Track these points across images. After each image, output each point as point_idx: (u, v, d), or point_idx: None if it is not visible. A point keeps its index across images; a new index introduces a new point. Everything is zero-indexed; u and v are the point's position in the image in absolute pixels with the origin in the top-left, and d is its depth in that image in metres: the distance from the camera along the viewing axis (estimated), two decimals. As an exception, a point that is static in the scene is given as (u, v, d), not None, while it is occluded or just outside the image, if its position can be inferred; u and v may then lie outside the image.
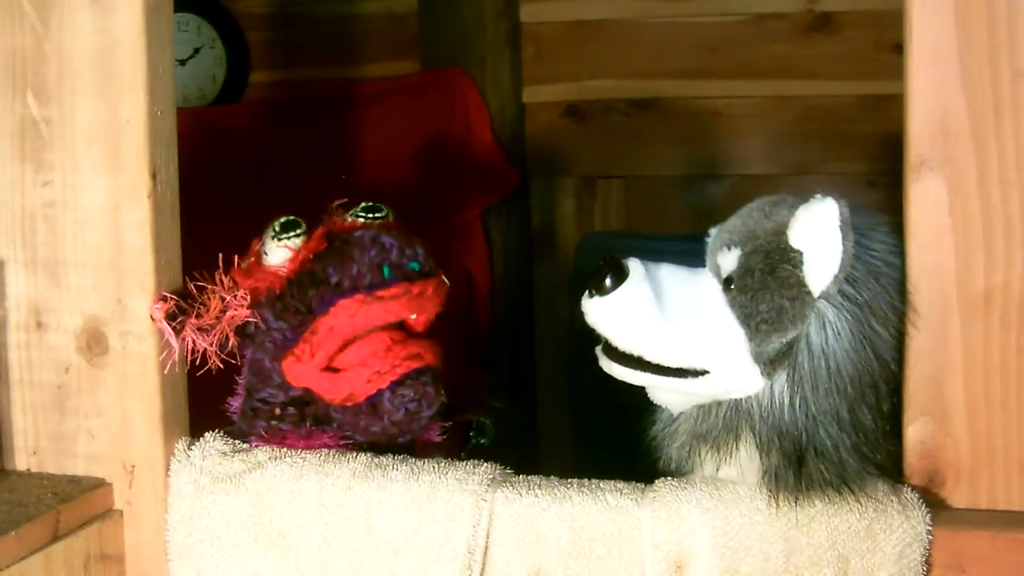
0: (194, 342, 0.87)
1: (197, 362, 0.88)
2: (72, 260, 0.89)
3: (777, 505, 0.79)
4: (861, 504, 0.79)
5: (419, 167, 2.06)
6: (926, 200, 0.81)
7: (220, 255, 0.90)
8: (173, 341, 0.87)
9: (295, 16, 2.31)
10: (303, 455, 0.87)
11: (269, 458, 0.88)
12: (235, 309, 0.88)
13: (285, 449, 0.89)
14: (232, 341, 0.89)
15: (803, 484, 0.79)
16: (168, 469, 0.89)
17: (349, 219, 0.96)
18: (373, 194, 1.00)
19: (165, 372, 0.88)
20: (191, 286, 0.89)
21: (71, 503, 0.85)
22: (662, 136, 2.16)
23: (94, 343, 0.89)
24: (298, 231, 0.92)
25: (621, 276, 0.80)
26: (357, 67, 2.26)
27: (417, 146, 2.08)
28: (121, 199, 0.88)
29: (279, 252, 0.92)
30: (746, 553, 0.79)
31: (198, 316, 0.87)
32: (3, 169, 0.90)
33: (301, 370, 0.90)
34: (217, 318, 0.88)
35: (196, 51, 2.28)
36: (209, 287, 0.88)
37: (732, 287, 0.82)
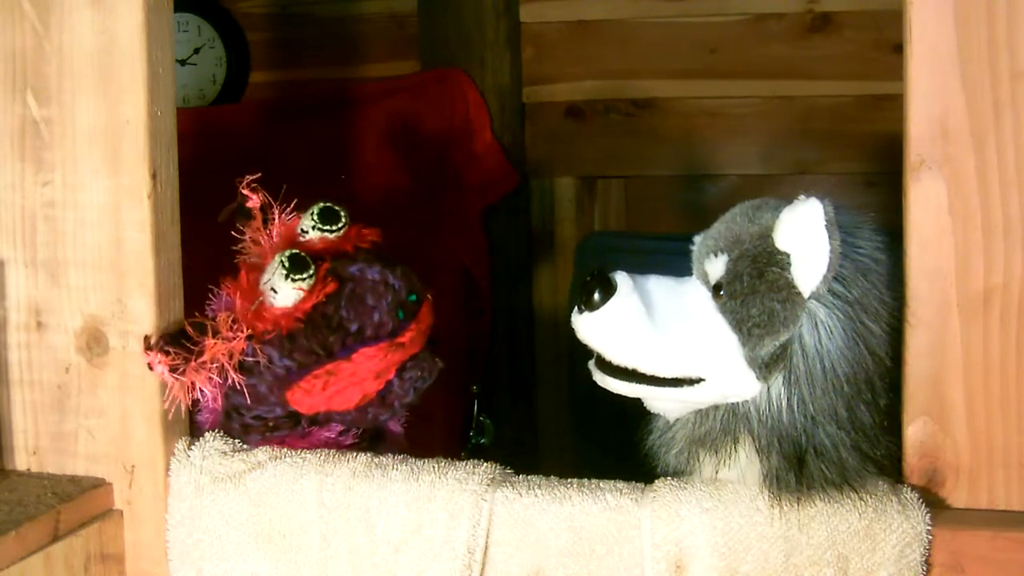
0: (195, 383, 0.86)
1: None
2: (72, 260, 0.89)
3: (780, 507, 0.79)
4: (861, 504, 0.79)
5: (419, 167, 2.06)
6: (926, 200, 0.81)
7: (211, 288, 0.90)
8: (177, 388, 0.86)
9: (295, 16, 2.31)
10: (303, 455, 0.87)
11: (269, 458, 0.88)
12: (232, 343, 0.86)
13: (285, 449, 0.89)
14: (233, 377, 0.86)
15: (805, 485, 0.79)
16: (168, 469, 0.89)
17: (309, 232, 0.93)
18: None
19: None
20: (187, 325, 0.87)
21: (71, 503, 0.85)
22: (662, 136, 2.16)
23: (94, 343, 0.89)
24: (311, 271, 0.88)
25: (609, 290, 0.80)
26: (357, 67, 2.26)
27: (417, 146, 2.08)
28: (121, 199, 0.88)
29: (292, 294, 0.88)
30: (746, 553, 0.79)
31: (198, 357, 0.85)
32: (3, 169, 0.90)
33: (310, 401, 0.90)
34: (215, 356, 0.86)
35: (196, 51, 2.28)
36: (209, 324, 0.87)
37: (722, 293, 0.82)
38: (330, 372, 0.89)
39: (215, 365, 0.86)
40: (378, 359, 0.89)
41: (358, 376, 0.89)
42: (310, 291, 0.88)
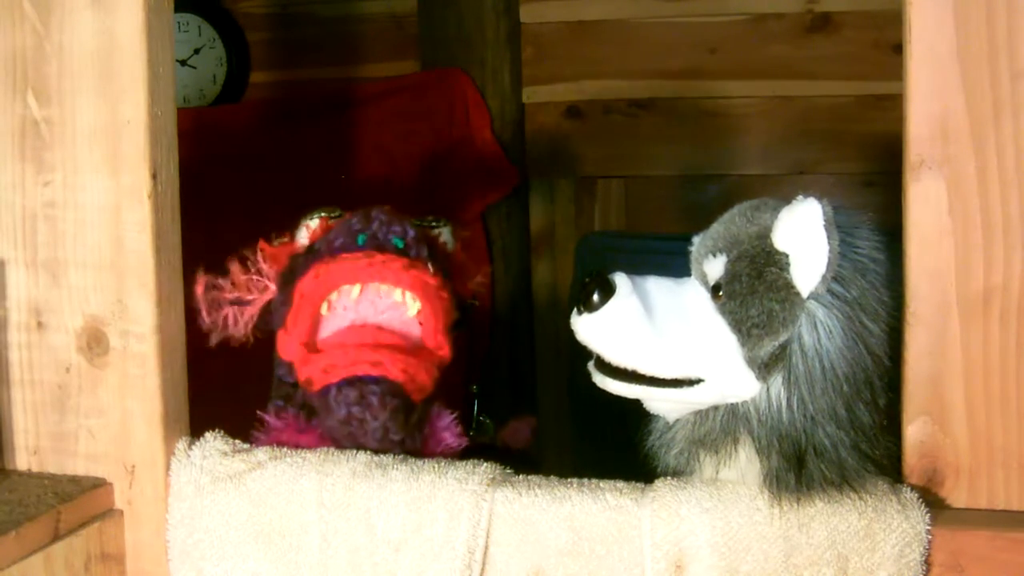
0: (231, 317, 0.90)
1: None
2: (72, 260, 0.89)
3: (780, 507, 0.79)
4: (861, 504, 0.79)
5: (419, 167, 2.06)
6: (926, 200, 0.81)
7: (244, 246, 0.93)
8: (206, 316, 0.90)
9: (295, 16, 2.31)
10: (303, 455, 0.87)
11: (269, 458, 0.88)
12: (269, 284, 0.91)
13: (285, 449, 0.89)
14: (249, 312, 0.92)
15: (804, 485, 0.79)
16: (168, 469, 0.89)
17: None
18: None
19: (165, 372, 0.89)
20: (230, 264, 0.92)
21: (71, 503, 0.85)
22: (662, 136, 2.16)
23: (95, 343, 0.89)
24: (333, 214, 0.94)
25: (608, 292, 0.80)
26: (357, 67, 2.27)
27: (417, 146, 2.08)
28: (121, 199, 0.88)
29: (303, 231, 0.94)
30: (746, 553, 0.79)
31: (232, 291, 0.90)
32: (3, 169, 0.90)
33: (287, 341, 0.91)
34: (251, 294, 0.91)
35: (196, 51, 2.28)
36: (241, 264, 0.91)
37: (720, 294, 0.82)
38: (292, 298, 0.90)
39: (252, 302, 0.91)
40: (316, 272, 0.89)
41: (304, 296, 0.89)
42: (314, 230, 0.94)
